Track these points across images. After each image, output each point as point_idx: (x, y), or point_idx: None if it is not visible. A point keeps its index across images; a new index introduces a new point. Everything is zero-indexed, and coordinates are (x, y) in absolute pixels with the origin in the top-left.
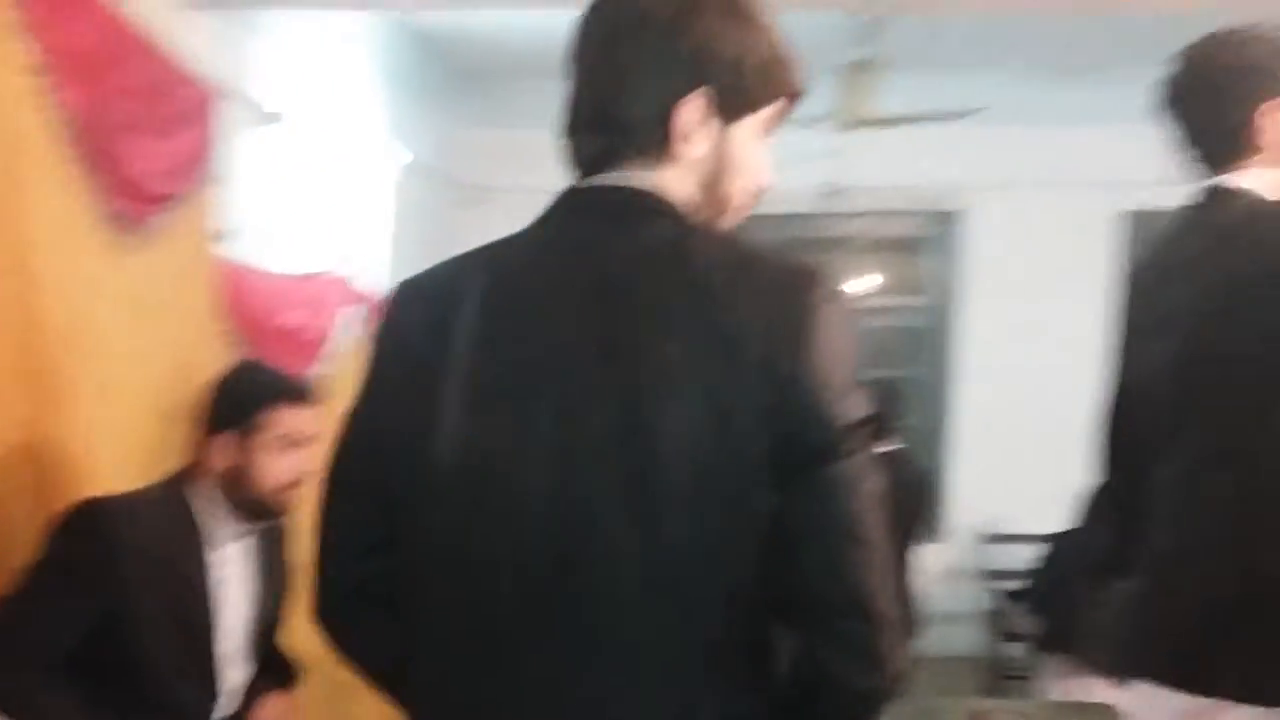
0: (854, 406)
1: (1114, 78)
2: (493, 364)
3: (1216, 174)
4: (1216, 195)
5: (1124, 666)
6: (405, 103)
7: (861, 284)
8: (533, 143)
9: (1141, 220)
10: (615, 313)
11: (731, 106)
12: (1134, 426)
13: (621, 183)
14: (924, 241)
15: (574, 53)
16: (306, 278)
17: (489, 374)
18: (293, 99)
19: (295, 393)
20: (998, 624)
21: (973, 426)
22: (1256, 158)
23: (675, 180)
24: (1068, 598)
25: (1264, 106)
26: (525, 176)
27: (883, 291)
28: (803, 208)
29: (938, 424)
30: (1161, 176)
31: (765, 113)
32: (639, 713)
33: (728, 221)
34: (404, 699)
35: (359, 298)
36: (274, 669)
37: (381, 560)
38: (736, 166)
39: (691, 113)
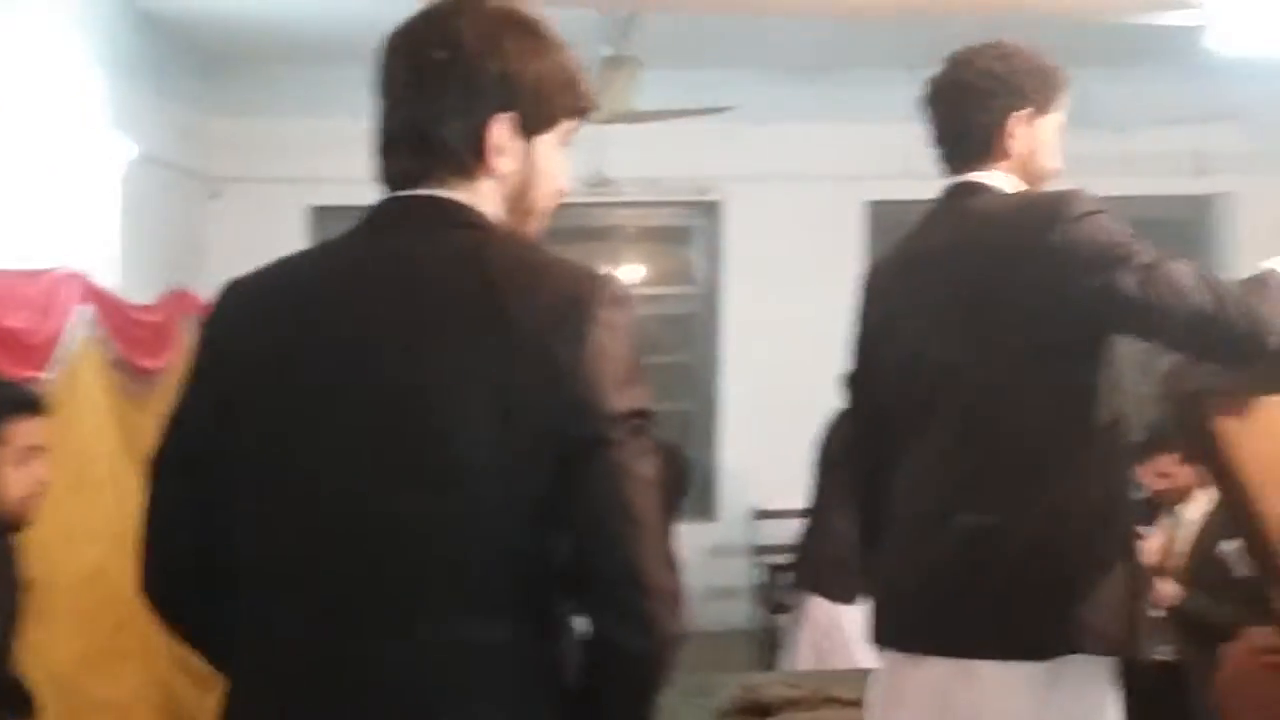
0: (629, 399)
1: (857, 78)
2: (304, 364)
3: (966, 171)
4: (965, 189)
5: (877, 639)
6: (135, 90)
7: (629, 272)
8: (277, 132)
9: (883, 210)
10: (417, 314)
11: (535, 124)
12: (883, 411)
13: (434, 194)
14: (688, 231)
15: (385, 75)
16: (32, 275)
17: (301, 373)
18: (7, 86)
19: (32, 403)
20: (768, 597)
21: (740, 409)
22: (1004, 161)
23: (486, 193)
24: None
25: (1016, 115)
26: (270, 167)
27: (651, 280)
28: (569, 198)
29: (708, 408)
30: (901, 170)
31: (563, 126)
32: (441, 684)
33: (534, 226)
34: (226, 672)
35: (91, 296)
36: (8, 698)
37: (203, 543)
38: (541, 177)
39: (501, 133)
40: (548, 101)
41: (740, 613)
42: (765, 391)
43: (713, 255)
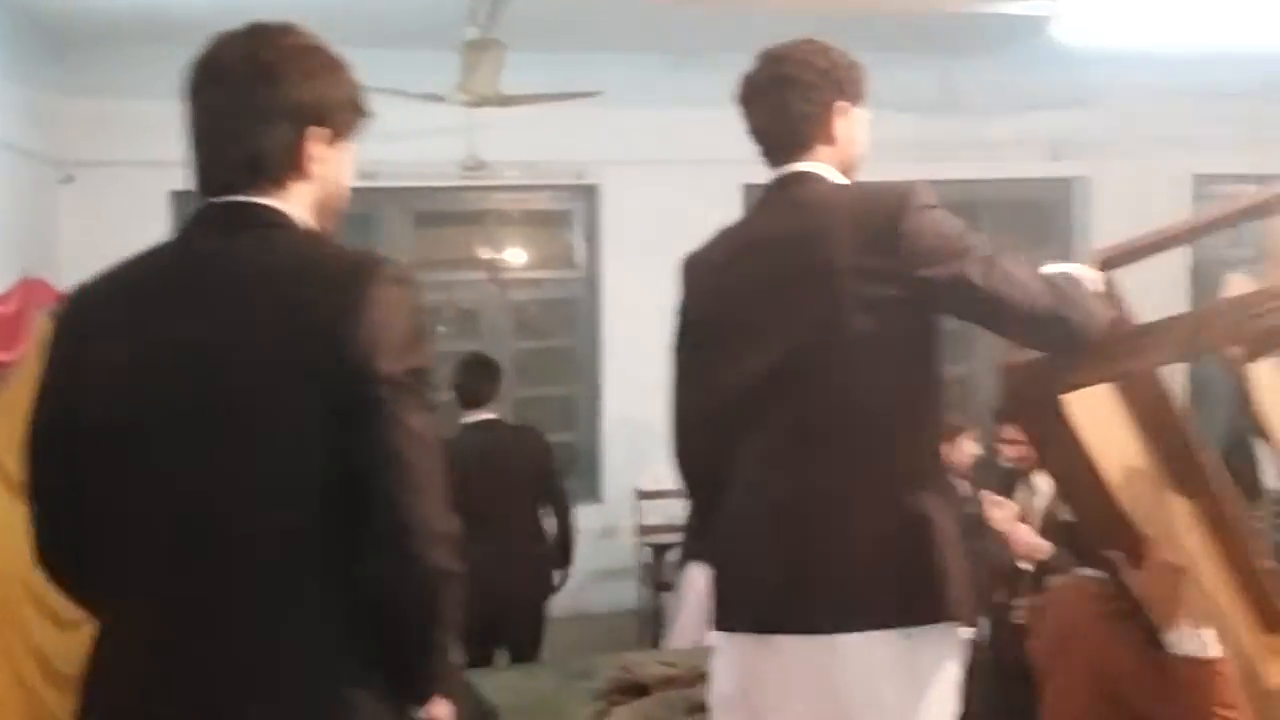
0: (403, 363)
1: (729, 62)
2: (140, 360)
3: (789, 161)
4: (795, 178)
5: (729, 624)
6: None
7: (511, 256)
8: (136, 114)
9: (756, 193)
10: (228, 308)
11: (338, 135)
12: (722, 400)
13: (249, 200)
14: (568, 215)
15: (202, 97)
16: None
17: (135, 362)
18: None
19: None
20: (654, 577)
21: (622, 391)
22: (826, 151)
23: (296, 197)
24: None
25: (838, 106)
26: (128, 150)
27: (532, 264)
28: (445, 181)
29: (591, 391)
30: None
31: (353, 135)
32: (252, 626)
33: (332, 222)
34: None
35: None
36: None
37: (82, 518)
38: (340, 180)
39: (314, 145)
40: (348, 115)
41: (627, 593)
42: (647, 374)
43: (592, 239)
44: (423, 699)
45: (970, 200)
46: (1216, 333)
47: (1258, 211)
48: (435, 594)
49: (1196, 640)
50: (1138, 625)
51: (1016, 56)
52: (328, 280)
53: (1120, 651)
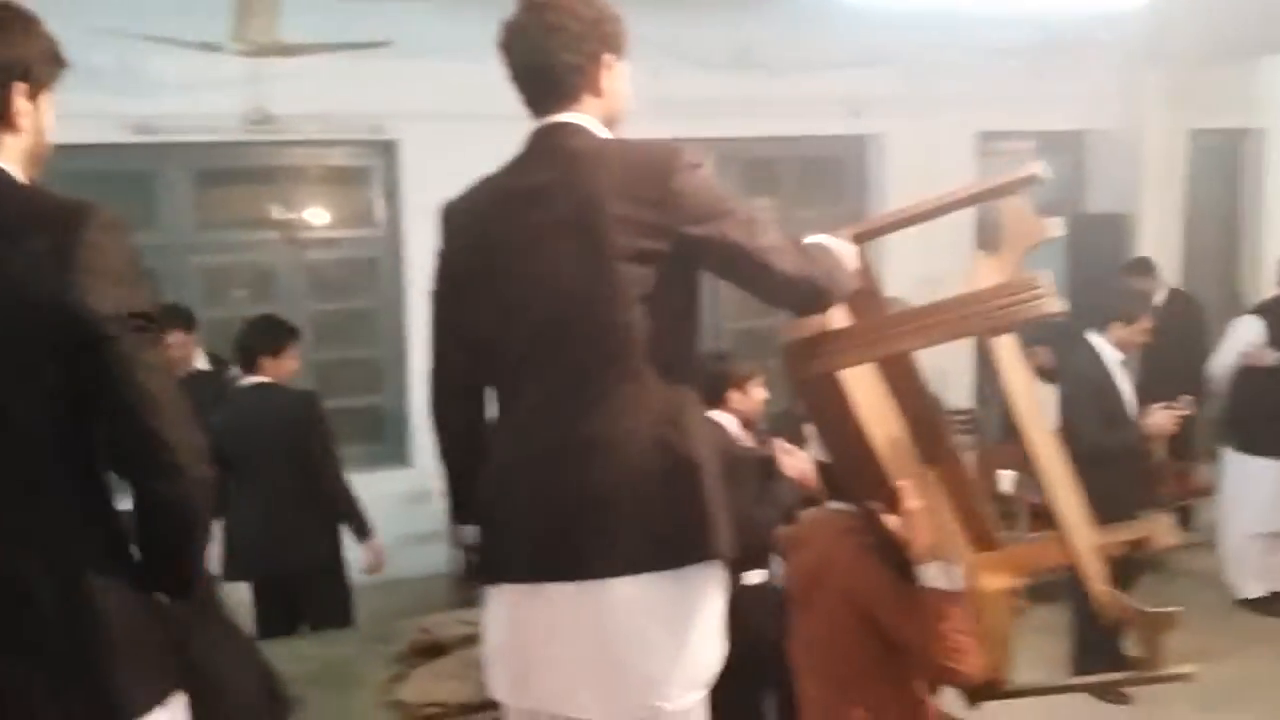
0: (124, 303)
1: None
2: None
3: (554, 111)
4: (560, 130)
5: (496, 575)
6: None
7: (312, 215)
8: None
9: None
10: None
11: (40, 87)
12: (486, 351)
13: None
14: (366, 172)
15: None
16: None
17: None
18: None
19: None
20: (463, 539)
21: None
22: (591, 102)
23: (6, 152)
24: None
25: (605, 57)
26: None
27: (332, 224)
28: (229, 136)
29: (396, 353)
30: None
31: (52, 87)
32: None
33: (36, 172)
34: None
35: None
36: None
37: None
38: (45, 131)
39: (18, 100)
40: (49, 69)
41: (439, 557)
42: None
43: (392, 196)
44: (188, 589)
45: (766, 157)
46: (970, 323)
47: (994, 194)
48: (195, 499)
49: (943, 575)
50: (886, 559)
51: (810, 15)
52: (40, 229)
53: (874, 581)
